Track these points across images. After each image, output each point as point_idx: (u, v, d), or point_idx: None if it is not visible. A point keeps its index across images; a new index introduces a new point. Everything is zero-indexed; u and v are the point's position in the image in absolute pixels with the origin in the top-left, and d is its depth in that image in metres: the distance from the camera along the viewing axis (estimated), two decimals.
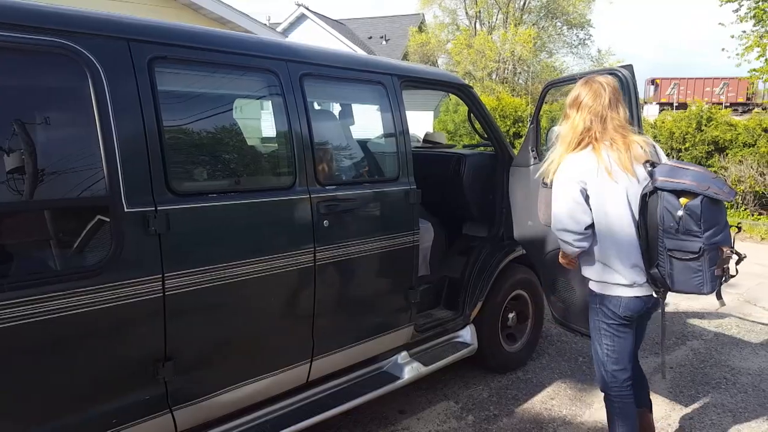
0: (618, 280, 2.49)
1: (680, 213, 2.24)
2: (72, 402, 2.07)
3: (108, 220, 2.07)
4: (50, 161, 2.01)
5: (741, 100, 27.18)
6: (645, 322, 2.79)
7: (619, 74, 2.96)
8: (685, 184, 2.25)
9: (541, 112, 3.69)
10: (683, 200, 2.26)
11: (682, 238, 2.27)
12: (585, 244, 2.51)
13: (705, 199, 2.21)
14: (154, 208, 2.16)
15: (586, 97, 2.52)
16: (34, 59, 1.98)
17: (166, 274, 2.20)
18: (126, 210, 2.09)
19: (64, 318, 1.95)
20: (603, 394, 2.75)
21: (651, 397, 3.04)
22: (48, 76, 2.06)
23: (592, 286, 2.62)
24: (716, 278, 2.33)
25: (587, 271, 2.62)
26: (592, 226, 2.47)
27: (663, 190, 2.29)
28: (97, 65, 2.06)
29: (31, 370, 1.96)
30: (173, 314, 2.25)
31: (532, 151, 3.64)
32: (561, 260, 2.76)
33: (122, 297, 2.09)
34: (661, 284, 2.42)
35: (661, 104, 27.51)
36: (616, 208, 2.43)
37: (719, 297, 2.45)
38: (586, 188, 2.45)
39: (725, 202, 2.33)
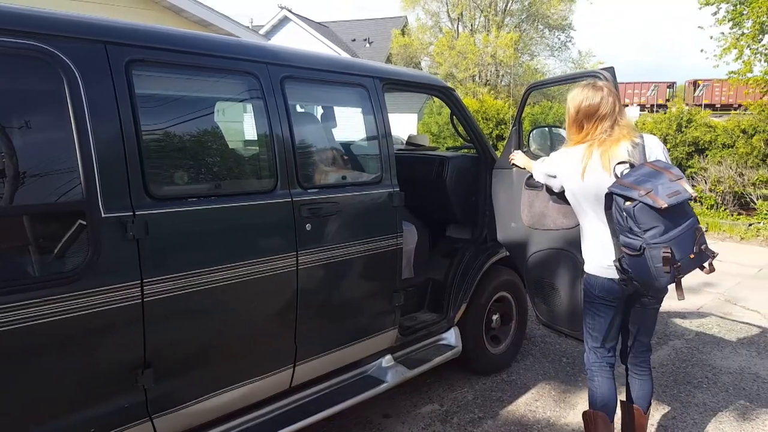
0: (594, 260, 2.73)
1: (623, 213, 2.43)
2: (49, 410, 2.03)
3: (85, 225, 2.03)
4: (25, 166, 1.96)
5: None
6: (643, 312, 2.82)
7: (601, 76, 3.00)
8: (626, 188, 2.43)
9: (523, 115, 3.72)
10: (627, 203, 2.41)
11: (627, 235, 2.44)
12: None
13: (639, 204, 2.37)
14: (132, 213, 2.13)
15: (605, 107, 2.61)
16: (9, 63, 1.94)
17: (144, 280, 2.17)
18: (103, 215, 2.06)
19: (40, 325, 1.91)
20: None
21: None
22: (23, 79, 2.02)
23: (584, 266, 2.81)
24: (667, 273, 2.40)
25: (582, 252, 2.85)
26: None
27: (614, 193, 2.47)
28: (73, 68, 2.03)
29: (6, 378, 1.91)
30: (152, 320, 2.21)
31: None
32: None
33: (100, 303, 2.05)
34: (622, 272, 2.58)
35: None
36: (587, 200, 2.68)
37: (678, 288, 2.55)
38: (554, 176, 2.86)
39: (689, 203, 2.48)
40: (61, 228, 2.04)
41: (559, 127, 3.76)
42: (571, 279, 3.26)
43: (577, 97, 2.67)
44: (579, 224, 2.88)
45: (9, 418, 1.94)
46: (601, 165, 2.57)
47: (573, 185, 2.71)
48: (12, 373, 1.92)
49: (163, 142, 2.46)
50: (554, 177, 2.86)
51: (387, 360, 3.38)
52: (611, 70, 3.08)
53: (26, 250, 1.96)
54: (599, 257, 2.69)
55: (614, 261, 2.59)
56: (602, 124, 2.60)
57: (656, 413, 3.64)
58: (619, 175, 2.49)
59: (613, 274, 2.63)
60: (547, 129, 3.99)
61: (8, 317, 1.84)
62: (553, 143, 3.76)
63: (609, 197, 2.51)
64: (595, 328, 2.80)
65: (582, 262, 2.84)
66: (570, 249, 3.24)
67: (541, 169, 2.98)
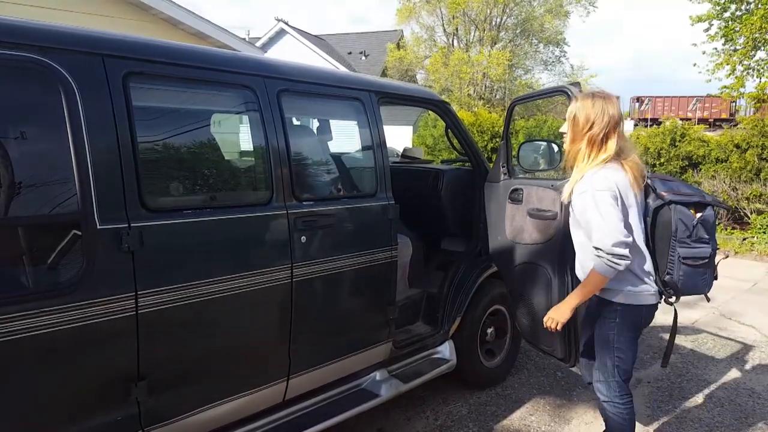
0: (646, 289, 2.58)
1: (695, 223, 2.45)
2: (41, 422, 2.02)
3: (80, 236, 2.03)
4: (22, 177, 1.96)
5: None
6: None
7: (568, 91, 3.09)
8: (695, 197, 2.52)
9: (518, 128, 3.76)
10: (698, 213, 2.48)
11: (694, 246, 2.46)
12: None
13: (710, 211, 2.47)
14: (127, 225, 2.12)
15: (617, 116, 2.57)
16: (6, 74, 1.94)
17: (139, 292, 2.16)
18: (99, 227, 2.05)
19: (34, 337, 1.90)
20: (603, 409, 2.80)
21: None
22: (20, 91, 2.02)
23: (618, 298, 2.58)
24: (713, 278, 2.56)
25: (613, 284, 2.56)
26: None
27: (677, 203, 2.49)
28: (71, 81, 2.03)
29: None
30: (147, 333, 2.20)
31: (503, 167, 3.72)
32: (555, 321, 2.67)
33: (94, 315, 2.04)
34: (673, 290, 2.57)
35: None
36: (636, 220, 2.54)
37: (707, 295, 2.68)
38: (619, 198, 2.48)
39: None
40: (57, 239, 2.03)
41: (552, 142, 3.78)
42: (546, 295, 3.29)
43: (595, 108, 2.54)
44: (551, 239, 2.94)
45: (4, 429, 1.92)
46: (636, 181, 2.53)
47: (630, 203, 2.53)
48: (4, 385, 1.91)
49: (160, 154, 2.47)
50: (617, 198, 2.49)
51: (381, 373, 3.37)
52: (577, 84, 3.17)
53: (21, 262, 1.95)
54: (651, 283, 2.58)
55: (666, 278, 2.54)
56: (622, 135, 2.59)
57: (650, 428, 3.63)
58: (657, 189, 2.56)
59: (654, 300, 2.60)
60: (545, 143, 3.98)
61: (2, 329, 1.83)
62: (552, 157, 3.77)
63: (655, 212, 2.53)
64: (628, 360, 2.68)
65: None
66: (544, 264, 3.26)
67: (612, 206, 2.47)
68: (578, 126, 2.58)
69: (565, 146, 2.70)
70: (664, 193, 2.55)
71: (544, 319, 2.70)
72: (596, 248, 2.44)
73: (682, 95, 30.54)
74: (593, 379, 2.82)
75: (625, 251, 2.40)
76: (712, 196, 2.63)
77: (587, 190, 2.48)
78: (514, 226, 3.51)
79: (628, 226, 2.47)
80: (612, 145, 2.52)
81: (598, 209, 2.43)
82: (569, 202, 2.66)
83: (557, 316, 2.65)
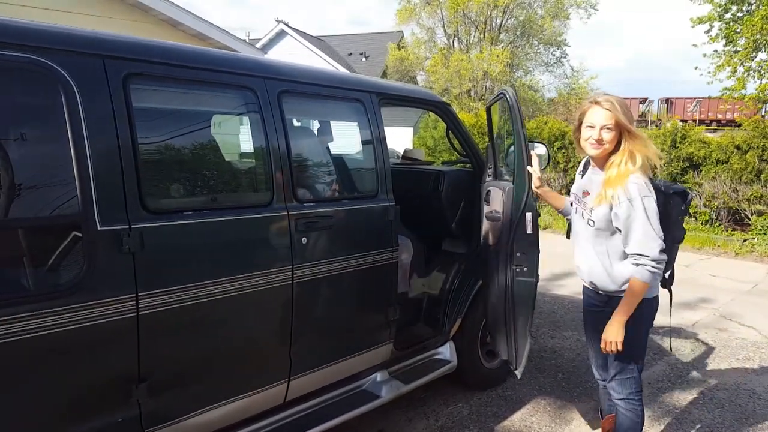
0: (659, 282, 2.68)
1: (684, 208, 2.69)
2: (42, 424, 2.02)
3: (81, 238, 2.03)
4: (22, 179, 1.96)
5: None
6: None
7: (506, 94, 3.28)
8: (678, 186, 2.74)
9: (503, 130, 3.79)
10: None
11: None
12: None
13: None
14: (128, 227, 2.12)
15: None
16: (6, 76, 1.94)
17: (140, 294, 2.16)
18: (99, 228, 2.05)
19: (34, 339, 1.90)
20: (616, 405, 2.81)
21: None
22: (20, 92, 2.02)
23: (646, 294, 2.59)
24: None
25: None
26: None
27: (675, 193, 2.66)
28: (71, 82, 2.03)
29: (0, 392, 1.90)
30: (148, 334, 2.20)
31: (489, 168, 3.79)
32: (615, 342, 2.57)
33: (95, 317, 2.04)
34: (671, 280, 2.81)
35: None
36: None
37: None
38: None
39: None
40: (57, 241, 2.03)
41: (539, 143, 3.82)
42: (498, 299, 3.39)
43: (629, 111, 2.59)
44: (498, 242, 3.03)
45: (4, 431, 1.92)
46: None
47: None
48: (6, 387, 1.91)
49: (160, 155, 2.47)
50: None
51: (382, 374, 3.37)
52: (513, 87, 3.33)
53: (21, 263, 1.95)
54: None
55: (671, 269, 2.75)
56: None
57: (651, 429, 3.63)
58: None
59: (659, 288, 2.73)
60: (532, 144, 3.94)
61: (2, 330, 1.83)
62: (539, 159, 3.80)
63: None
64: (644, 353, 2.74)
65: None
66: (495, 268, 3.37)
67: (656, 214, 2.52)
68: (624, 127, 2.52)
69: (605, 147, 2.57)
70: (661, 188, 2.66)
71: (602, 347, 2.61)
72: (641, 255, 2.44)
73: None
74: (608, 377, 2.82)
75: (664, 256, 2.45)
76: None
77: (636, 196, 2.44)
78: (484, 228, 3.63)
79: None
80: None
81: (648, 216, 2.43)
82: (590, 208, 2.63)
83: (613, 337, 2.55)
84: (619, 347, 2.56)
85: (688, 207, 2.71)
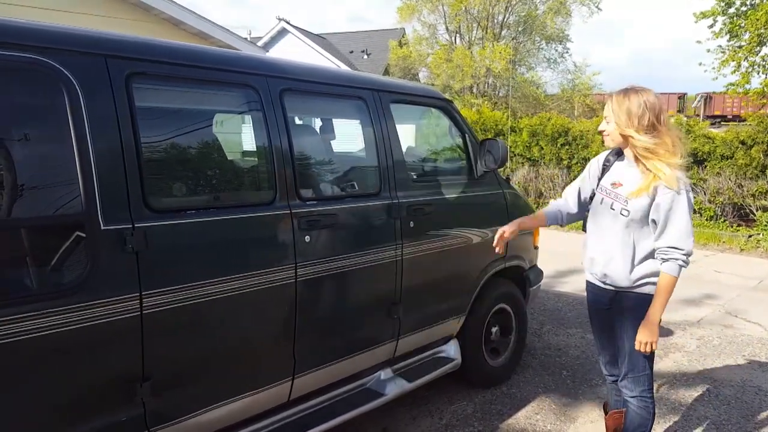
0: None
1: None
2: (46, 424, 2.01)
3: (84, 237, 2.03)
4: (25, 178, 1.96)
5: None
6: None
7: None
8: None
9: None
10: None
11: None
12: None
13: None
14: (131, 226, 2.12)
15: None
16: (9, 76, 1.94)
17: (143, 293, 2.15)
18: (102, 228, 2.05)
19: (38, 338, 1.90)
20: (627, 403, 2.78)
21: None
22: (23, 92, 2.01)
23: (652, 290, 2.59)
24: None
25: (654, 278, 2.59)
26: None
27: None
28: (74, 81, 2.03)
29: (3, 391, 1.90)
30: (151, 333, 2.20)
31: (474, 166, 3.93)
32: (650, 343, 2.55)
33: (99, 316, 2.04)
34: None
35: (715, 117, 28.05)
36: None
37: None
38: None
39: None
40: (61, 240, 2.02)
41: (496, 138, 3.93)
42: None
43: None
44: None
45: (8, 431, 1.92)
46: None
47: None
48: (9, 387, 1.91)
49: (163, 154, 2.46)
50: None
51: (386, 372, 3.36)
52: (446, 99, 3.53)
53: (25, 263, 1.95)
54: None
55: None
56: None
57: (657, 427, 3.62)
58: None
59: None
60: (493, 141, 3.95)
61: (6, 330, 1.83)
62: (496, 155, 3.86)
63: None
64: (653, 351, 2.66)
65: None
66: None
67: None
68: (654, 118, 2.51)
69: (650, 140, 2.51)
70: None
71: (637, 348, 2.58)
72: (675, 248, 2.46)
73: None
74: (620, 375, 2.79)
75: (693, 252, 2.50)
76: None
77: (681, 188, 2.46)
78: None
79: None
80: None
81: (689, 210, 2.47)
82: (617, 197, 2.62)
83: (649, 337, 2.53)
84: (654, 347, 2.56)
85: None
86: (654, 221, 2.52)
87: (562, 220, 2.95)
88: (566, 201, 2.93)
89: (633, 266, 2.60)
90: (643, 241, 2.58)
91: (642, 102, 2.50)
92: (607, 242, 2.68)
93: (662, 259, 2.50)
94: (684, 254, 2.46)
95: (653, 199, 2.49)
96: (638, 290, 2.62)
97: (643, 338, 2.55)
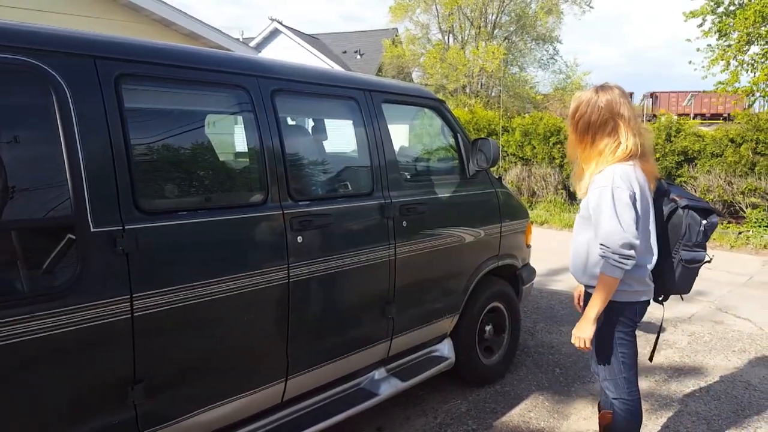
0: (643, 287, 2.59)
1: (702, 228, 2.56)
2: (37, 428, 2.00)
3: (74, 239, 2.02)
4: (14, 180, 1.95)
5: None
6: None
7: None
8: (702, 203, 2.63)
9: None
10: (704, 220, 2.58)
11: (695, 250, 2.59)
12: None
13: (716, 217, 2.59)
14: (121, 228, 2.11)
15: (623, 107, 2.53)
16: None
17: (134, 295, 2.15)
18: (93, 229, 2.04)
19: (28, 342, 1.89)
20: (612, 404, 2.76)
21: None
22: (12, 94, 2.00)
23: (616, 297, 2.52)
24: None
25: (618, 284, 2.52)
26: None
27: (692, 208, 2.57)
28: (62, 83, 2.02)
29: None
30: (143, 335, 2.19)
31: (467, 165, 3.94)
32: (583, 339, 2.52)
33: (89, 319, 2.03)
34: (670, 287, 2.69)
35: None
36: (650, 221, 2.54)
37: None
38: (636, 198, 2.45)
39: None
40: (50, 243, 2.02)
41: (488, 138, 3.93)
42: None
43: (590, 97, 2.57)
44: None
45: None
46: (649, 182, 2.58)
47: (643, 203, 2.52)
48: None
49: (153, 156, 2.46)
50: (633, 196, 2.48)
51: (380, 372, 3.37)
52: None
53: (14, 265, 1.94)
54: (649, 282, 2.61)
55: (664, 276, 2.64)
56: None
57: (649, 422, 3.64)
58: (670, 192, 2.66)
59: (649, 296, 2.64)
60: (483, 140, 3.96)
61: None
62: (487, 154, 3.88)
63: (669, 215, 2.60)
64: (630, 354, 2.66)
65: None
66: None
67: (628, 203, 2.45)
68: (577, 117, 2.57)
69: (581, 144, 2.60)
70: (676, 198, 2.62)
71: (572, 341, 2.59)
72: (602, 246, 2.40)
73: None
74: (600, 378, 2.79)
75: (631, 252, 2.36)
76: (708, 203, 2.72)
77: (607, 185, 2.42)
78: None
79: (641, 227, 2.45)
80: (626, 140, 2.48)
81: (615, 206, 2.39)
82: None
83: (581, 333, 2.52)
84: (587, 344, 2.52)
85: (708, 231, 2.58)
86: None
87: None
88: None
89: (586, 265, 2.60)
90: (592, 239, 2.55)
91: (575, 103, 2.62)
92: (574, 241, 2.72)
93: (600, 255, 2.43)
94: (612, 252, 2.35)
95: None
96: (592, 289, 2.59)
97: (575, 332, 2.55)
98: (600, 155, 2.52)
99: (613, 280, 2.42)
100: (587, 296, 2.67)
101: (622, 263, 2.37)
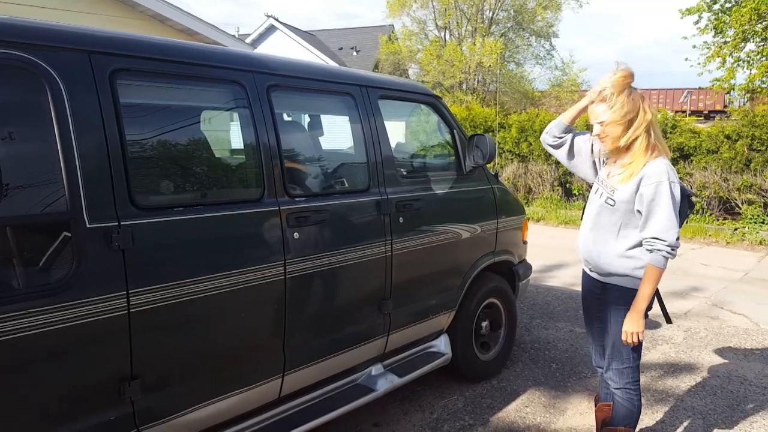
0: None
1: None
2: (33, 424, 2.00)
3: (70, 236, 2.01)
4: (8, 177, 1.94)
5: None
6: None
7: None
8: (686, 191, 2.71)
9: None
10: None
11: None
12: None
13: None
14: (117, 224, 2.10)
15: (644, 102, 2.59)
16: None
17: (130, 291, 2.14)
18: (88, 226, 2.03)
19: (24, 338, 1.88)
20: (614, 395, 2.79)
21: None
22: (5, 89, 1.99)
23: (636, 285, 2.58)
24: None
25: (639, 272, 2.58)
26: None
27: (688, 195, 2.65)
28: (57, 78, 2.01)
29: None
30: (139, 332, 2.19)
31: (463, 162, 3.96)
32: (636, 333, 2.56)
33: (85, 315, 2.02)
34: None
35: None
36: None
37: None
38: None
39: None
40: (46, 239, 2.01)
41: (485, 134, 3.92)
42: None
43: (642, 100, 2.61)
44: None
45: None
46: None
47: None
48: None
49: (149, 151, 2.44)
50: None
51: (377, 368, 3.37)
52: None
53: (9, 262, 1.93)
54: None
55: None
56: None
57: (645, 417, 3.65)
58: None
59: None
60: (481, 136, 3.96)
61: None
62: (485, 151, 3.88)
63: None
64: (640, 343, 2.67)
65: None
66: None
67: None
68: (635, 113, 2.54)
69: (618, 134, 2.57)
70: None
71: (623, 338, 2.60)
72: (658, 239, 2.45)
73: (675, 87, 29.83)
74: (605, 367, 2.83)
75: (680, 244, 2.50)
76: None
77: (664, 180, 2.46)
78: None
79: None
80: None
81: (673, 201, 2.45)
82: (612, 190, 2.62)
83: (634, 327, 2.55)
84: (641, 338, 2.57)
85: (690, 212, 2.75)
86: (639, 212, 2.53)
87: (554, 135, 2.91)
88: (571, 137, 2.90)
89: (619, 257, 2.62)
90: (629, 231, 2.59)
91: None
92: (597, 232, 2.70)
93: (647, 250, 2.51)
94: (667, 245, 2.45)
95: (638, 190, 2.51)
96: (624, 281, 2.63)
97: (628, 328, 2.57)
98: (647, 150, 2.55)
99: (661, 272, 2.50)
100: (606, 290, 2.70)
101: (673, 255, 2.48)
